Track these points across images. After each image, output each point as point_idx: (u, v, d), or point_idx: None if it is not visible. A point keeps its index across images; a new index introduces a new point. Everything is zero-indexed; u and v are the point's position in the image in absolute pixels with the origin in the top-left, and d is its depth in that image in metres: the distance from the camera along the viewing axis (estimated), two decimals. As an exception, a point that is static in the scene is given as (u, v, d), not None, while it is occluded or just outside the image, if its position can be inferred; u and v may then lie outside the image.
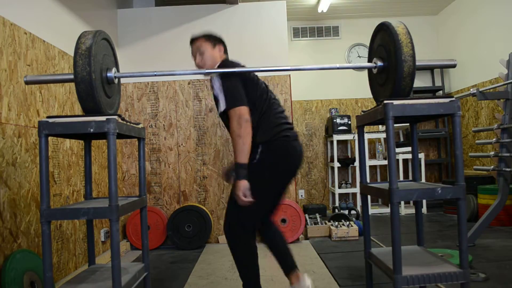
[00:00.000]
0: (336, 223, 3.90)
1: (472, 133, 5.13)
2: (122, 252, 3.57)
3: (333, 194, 5.38)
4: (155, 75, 1.97)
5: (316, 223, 4.03)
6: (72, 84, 2.88)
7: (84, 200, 2.22)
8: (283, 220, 3.65)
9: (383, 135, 5.26)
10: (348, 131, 5.24)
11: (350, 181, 5.57)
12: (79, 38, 1.67)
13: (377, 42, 1.90)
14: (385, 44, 1.78)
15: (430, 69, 5.81)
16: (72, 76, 1.66)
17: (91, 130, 1.67)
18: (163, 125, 3.88)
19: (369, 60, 1.95)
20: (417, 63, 1.67)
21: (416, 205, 2.14)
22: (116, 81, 1.87)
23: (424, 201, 5.02)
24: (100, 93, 1.72)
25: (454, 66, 1.91)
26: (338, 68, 2.03)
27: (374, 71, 1.89)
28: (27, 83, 1.86)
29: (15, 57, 2.21)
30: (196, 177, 3.85)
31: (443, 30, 5.76)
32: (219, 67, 2.08)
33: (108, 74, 1.81)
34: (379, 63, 1.83)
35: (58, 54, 2.70)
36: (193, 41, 2.17)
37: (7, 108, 2.12)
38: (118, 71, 1.91)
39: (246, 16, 3.92)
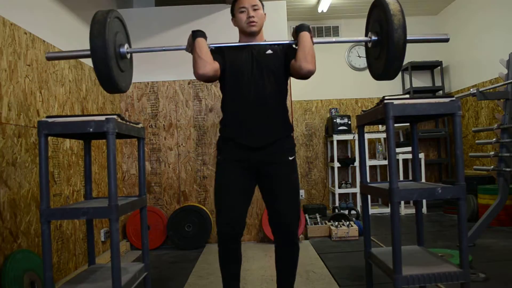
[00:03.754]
0: (336, 223, 3.90)
1: (472, 133, 5.13)
2: (122, 252, 3.57)
3: (333, 194, 5.38)
4: (164, 50, 2.05)
5: (316, 223, 4.03)
6: (72, 84, 2.89)
7: (84, 200, 2.22)
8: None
9: (383, 135, 5.26)
10: (348, 131, 5.23)
11: (350, 181, 5.57)
12: (94, 17, 1.73)
13: (372, 18, 1.93)
14: (379, 19, 1.81)
15: (430, 67, 5.80)
16: (89, 52, 1.74)
17: (91, 130, 1.67)
18: (163, 125, 3.88)
19: (366, 36, 1.98)
20: (408, 37, 1.71)
21: (416, 205, 2.14)
22: (128, 56, 1.94)
23: (424, 201, 5.02)
24: (113, 66, 1.77)
25: (447, 40, 1.92)
26: (334, 42, 2.09)
27: (369, 44, 1.93)
28: (48, 59, 1.95)
29: (15, 57, 2.21)
30: (196, 177, 3.85)
31: (443, 30, 5.76)
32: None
33: (121, 50, 1.88)
34: (373, 37, 1.87)
35: (58, 54, 2.70)
36: None
37: (7, 108, 2.12)
38: (130, 47, 1.97)
39: (246, 16, 3.91)
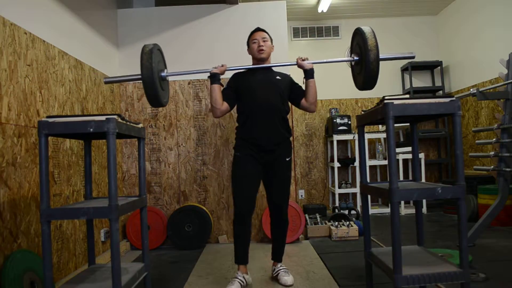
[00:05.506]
0: (336, 223, 3.90)
1: (472, 133, 5.13)
2: (122, 252, 3.57)
3: (333, 194, 5.38)
4: (195, 73, 2.60)
5: (316, 223, 4.03)
6: (72, 84, 2.90)
7: (84, 200, 2.22)
8: (283, 220, 3.64)
9: (383, 135, 5.26)
10: (348, 131, 5.24)
11: (350, 181, 5.57)
12: (143, 49, 2.17)
13: (354, 42, 2.34)
14: (359, 43, 2.24)
15: (430, 67, 5.80)
16: (140, 76, 2.16)
17: (91, 129, 1.67)
18: (163, 125, 3.88)
19: (350, 55, 2.42)
20: (380, 56, 2.14)
21: (416, 205, 2.14)
22: (168, 78, 2.42)
23: (424, 201, 5.02)
24: (158, 87, 2.21)
25: (413, 57, 2.36)
26: (325, 62, 2.66)
27: (352, 63, 2.38)
28: (106, 83, 2.41)
29: (15, 57, 2.21)
30: (196, 177, 3.85)
31: (443, 30, 5.76)
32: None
33: (162, 74, 2.32)
34: (355, 58, 2.31)
35: (58, 54, 2.70)
36: (260, 30, 2.67)
37: (7, 108, 2.12)
38: (167, 71, 2.41)
39: (246, 16, 3.92)
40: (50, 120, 1.70)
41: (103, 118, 1.68)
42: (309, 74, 2.56)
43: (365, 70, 2.17)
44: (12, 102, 2.17)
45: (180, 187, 3.85)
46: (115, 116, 1.71)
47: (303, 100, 2.63)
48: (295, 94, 2.66)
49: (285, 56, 3.76)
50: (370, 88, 2.26)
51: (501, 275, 2.51)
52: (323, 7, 5.18)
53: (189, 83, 3.88)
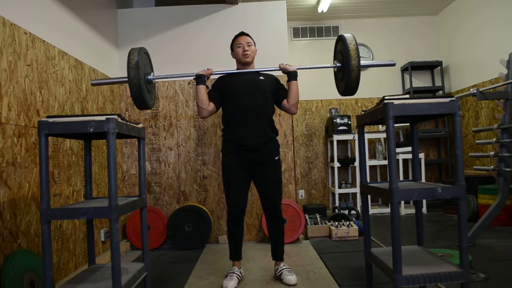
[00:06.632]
0: (336, 223, 3.90)
1: (472, 133, 5.13)
2: (122, 252, 3.57)
3: (333, 194, 5.38)
4: (181, 76, 2.72)
5: (316, 223, 4.03)
6: (72, 84, 2.90)
7: (84, 200, 2.22)
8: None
9: (383, 135, 5.26)
10: (348, 131, 5.24)
11: (350, 181, 5.57)
12: (129, 54, 2.21)
13: (337, 49, 2.41)
14: (342, 50, 2.32)
15: (430, 67, 5.81)
16: (126, 79, 2.20)
17: (91, 130, 1.67)
18: (163, 125, 3.88)
19: (333, 62, 2.51)
20: (361, 63, 2.22)
21: (416, 205, 2.14)
22: (154, 81, 2.45)
23: (424, 201, 5.02)
24: (144, 90, 2.25)
25: (393, 65, 2.43)
26: (305, 68, 2.69)
27: (335, 69, 2.48)
28: (93, 85, 2.45)
29: (15, 57, 2.21)
30: (196, 177, 3.85)
31: (443, 30, 5.76)
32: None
33: (148, 77, 2.37)
34: (338, 64, 2.40)
35: (58, 54, 2.70)
36: (244, 34, 2.70)
37: (7, 108, 2.12)
38: (154, 74, 2.46)
39: (246, 16, 3.92)
40: (50, 120, 1.70)
41: (103, 118, 1.68)
42: (291, 76, 2.59)
43: (346, 78, 2.24)
44: (12, 102, 2.17)
45: (180, 187, 3.85)
46: (115, 116, 1.71)
47: (284, 101, 2.65)
48: (278, 94, 2.68)
49: (285, 56, 3.76)
50: (351, 94, 2.34)
51: (501, 275, 2.51)
52: (323, 7, 5.18)
53: (189, 83, 3.88)
